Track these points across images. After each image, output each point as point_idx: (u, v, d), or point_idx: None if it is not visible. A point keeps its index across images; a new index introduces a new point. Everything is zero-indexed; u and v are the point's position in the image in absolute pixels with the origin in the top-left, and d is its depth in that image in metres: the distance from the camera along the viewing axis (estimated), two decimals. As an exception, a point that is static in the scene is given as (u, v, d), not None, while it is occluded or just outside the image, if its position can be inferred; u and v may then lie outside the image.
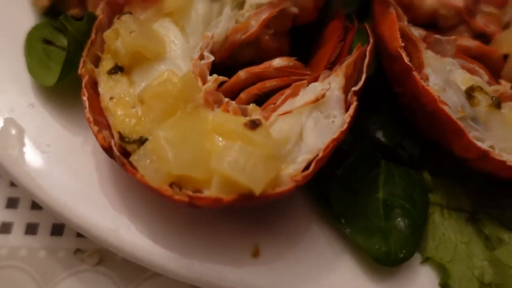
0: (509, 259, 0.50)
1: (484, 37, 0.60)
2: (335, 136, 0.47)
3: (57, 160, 0.53)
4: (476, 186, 0.56)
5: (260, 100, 0.54)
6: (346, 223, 0.51)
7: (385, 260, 0.48)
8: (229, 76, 0.56)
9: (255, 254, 0.50)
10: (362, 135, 0.59)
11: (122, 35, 0.51)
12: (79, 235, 0.57)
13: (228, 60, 0.58)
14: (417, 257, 0.51)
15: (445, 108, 0.49)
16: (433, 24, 0.62)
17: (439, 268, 0.50)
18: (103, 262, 0.56)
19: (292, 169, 0.46)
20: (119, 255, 0.52)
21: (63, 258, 0.56)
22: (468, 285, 0.49)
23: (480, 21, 0.60)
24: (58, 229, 0.58)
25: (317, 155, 0.46)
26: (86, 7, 0.65)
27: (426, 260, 0.51)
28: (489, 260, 0.51)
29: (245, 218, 0.51)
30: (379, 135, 0.59)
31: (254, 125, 0.45)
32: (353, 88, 0.49)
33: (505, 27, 0.59)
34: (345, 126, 0.47)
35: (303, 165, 0.46)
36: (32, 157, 0.52)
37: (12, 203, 0.59)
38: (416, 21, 0.61)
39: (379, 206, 0.53)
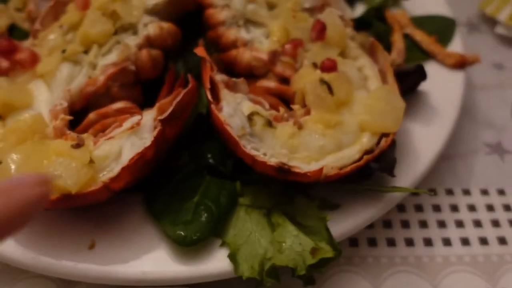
0: (280, 237, 0.66)
1: (287, 80, 0.80)
2: (139, 150, 0.65)
3: None
4: (277, 188, 0.73)
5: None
6: (161, 219, 0.67)
7: (182, 241, 0.64)
8: None
9: (92, 246, 0.66)
10: (197, 157, 0.77)
11: (-3, 92, 0.70)
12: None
13: (91, 108, 0.77)
14: (218, 242, 0.67)
15: (228, 127, 0.68)
16: (251, 74, 0.83)
17: (231, 248, 0.66)
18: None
19: (107, 176, 0.63)
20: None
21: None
22: (252, 259, 0.65)
23: (279, 68, 0.80)
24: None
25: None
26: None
27: (223, 244, 0.67)
28: (271, 241, 0.66)
29: (86, 219, 0.68)
30: (208, 157, 0.77)
31: (78, 146, 0.63)
32: (159, 117, 0.68)
33: (297, 71, 0.79)
34: (148, 143, 0.65)
35: (116, 172, 0.64)
36: None
37: None
38: (239, 72, 0.82)
39: (192, 206, 0.69)
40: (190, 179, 0.74)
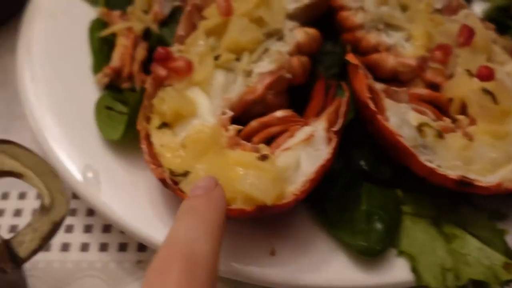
0: (461, 248, 0.67)
1: (435, 86, 0.80)
2: (323, 162, 0.66)
3: (126, 192, 0.72)
4: (439, 197, 0.74)
5: (267, 141, 0.74)
6: (338, 228, 0.69)
7: (366, 252, 0.66)
8: (244, 124, 0.77)
9: (272, 253, 0.68)
10: (349, 164, 0.78)
11: (166, 101, 0.72)
12: (140, 250, 0.75)
13: (244, 115, 0.78)
14: (394, 252, 0.68)
15: (401, 139, 0.68)
16: (394, 79, 0.83)
17: (410, 258, 0.67)
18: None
19: (293, 188, 0.65)
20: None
21: (128, 268, 0.74)
22: (433, 269, 0.66)
23: (429, 75, 0.80)
24: (123, 246, 0.76)
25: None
26: (133, 82, 0.88)
27: (400, 253, 0.68)
28: (448, 251, 0.67)
29: (264, 228, 0.70)
30: (362, 163, 0.78)
31: (264, 158, 0.65)
32: (333, 129, 0.69)
33: (449, 78, 0.79)
34: (329, 156, 0.66)
35: (301, 183, 0.65)
36: (107, 190, 0.72)
37: (88, 229, 0.78)
38: (381, 77, 0.82)
39: (363, 215, 0.71)
40: (350, 187, 0.75)
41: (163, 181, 0.66)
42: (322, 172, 0.66)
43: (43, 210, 0.60)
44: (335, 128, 0.69)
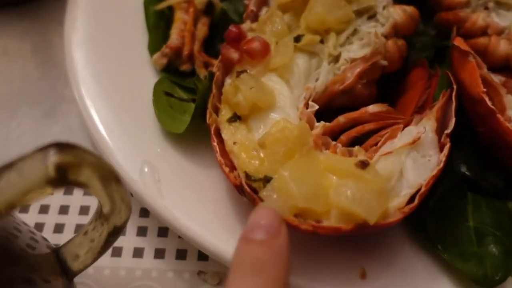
0: None
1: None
2: (433, 173, 0.54)
3: (189, 195, 0.62)
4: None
5: (357, 141, 0.62)
6: (443, 249, 0.57)
7: (483, 282, 0.54)
8: (322, 117, 0.65)
9: (363, 276, 0.57)
10: (447, 169, 0.65)
11: (242, 91, 0.60)
12: (200, 258, 0.66)
13: (324, 106, 0.67)
14: (510, 281, 0.57)
15: (530, 146, 0.56)
16: (505, 69, 0.69)
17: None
18: (222, 282, 0.65)
19: (397, 202, 0.53)
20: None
21: (188, 279, 0.65)
22: None
23: (552, 65, 0.66)
24: (182, 253, 0.67)
25: (419, 189, 0.54)
26: (193, 63, 0.77)
27: (520, 283, 0.57)
28: None
29: (352, 245, 0.59)
30: (463, 168, 0.65)
31: (363, 165, 0.53)
32: (446, 131, 0.57)
33: None
34: (442, 164, 0.55)
35: (406, 198, 0.54)
36: (168, 192, 0.62)
37: (142, 232, 0.69)
38: (489, 66, 0.69)
39: (471, 233, 0.59)
40: (451, 197, 0.63)
41: (238, 187, 0.56)
42: (432, 185, 0.54)
43: (101, 218, 0.50)
44: (448, 130, 0.56)
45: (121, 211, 0.49)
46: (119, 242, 0.68)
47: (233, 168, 0.58)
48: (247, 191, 0.55)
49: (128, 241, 0.68)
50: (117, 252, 0.67)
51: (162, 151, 0.66)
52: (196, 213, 0.61)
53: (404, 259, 0.58)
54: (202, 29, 0.79)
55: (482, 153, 0.65)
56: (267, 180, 0.55)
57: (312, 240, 0.58)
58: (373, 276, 0.57)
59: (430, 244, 0.58)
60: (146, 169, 0.64)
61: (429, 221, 0.60)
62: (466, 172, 0.65)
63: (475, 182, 0.64)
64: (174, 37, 0.77)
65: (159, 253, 0.67)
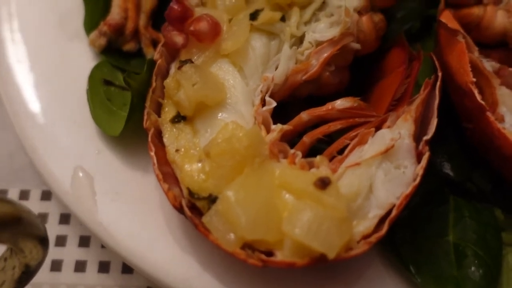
0: None
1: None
2: (407, 191, 0.46)
3: (127, 208, 0.54)
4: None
5: (323, 143, 0.53)
6: (416, 271, 0.50)
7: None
8: (285, 110, 0.56)
9: (325, 303, 0.50)
10: (428, 168, 0.57)
11: (184, 88, 0.50)
12: (149, 274, 0.59)
13: (286, 98, 0.57)
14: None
15: (524, 153, 0.47)
16: (501, 45, 0.59)
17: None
18: (174, 299, 0.58)
19: (364, 227, 0.45)
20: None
21: (136, 296, 0.58)
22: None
23: (557, 43, 0.56)
24: (129, 267, 0.60)
25: (390, 211, 0.45)
26: (139, 41, 0.66)
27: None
28: None
29: (314, 269, 0.51)
30: (447, 168, 0.57)
31: (323, 184, 0.44)
32: (425, 138, 0.47)
33: None
34: (418, 179, 0.46)
35: (374, 221, 0.45)
36: (103, 206, 0.54)
37: (84, 242, 0.62)
38: (483, 41, 0.58)
39: (450, 251, 0.51)
40: (429, 204, 0.55)
41: (179, 209, 0.47)
42: (406, 204, 0.46)
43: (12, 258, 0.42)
44: (427, 136, 0.47)
45: (32, 251, 0.41)
46: (59, 253, 0.61)
47: (174, 183, 0.49)
48: (188, 216, 0.47)
49: (68, 253, 0.61)
50: (57, 266, 0.60)
51: (99, 154, 0.57)
52: (136, 231, 0.53)
53: (373, 283, 0.51)
54: (149, 0, 0.67)
55: (469, 150, 0.56)
56: (212, 200, 0.46)
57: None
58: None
59: (402, 265, 0.51)
60: (79, 177, 0.55)
61: (401, 235, 0.52)
62: (449, 172, 0.56)
63: (459, 184, 0.56)
64: (115, 11, 0.65)
65: (104, 267, 0.60)
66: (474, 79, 0.51)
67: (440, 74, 0.52)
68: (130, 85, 0.54)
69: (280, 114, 0.55)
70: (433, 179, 0.56)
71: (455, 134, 0.58)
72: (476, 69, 0.52)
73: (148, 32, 0.66)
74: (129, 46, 0.65)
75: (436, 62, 0.54)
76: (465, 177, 0.57)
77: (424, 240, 0.52)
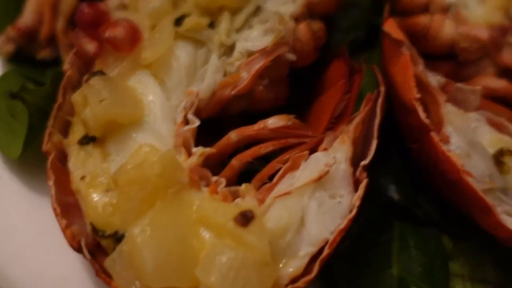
0: None
1: (510, 73, 0.53)
2: (342, 226, 0.40)
3: (26, 248, 0.46)
4: (503, 253, 0.49)
5: (253, 167, 0.47)
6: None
7: None
8: (216, 125, 0.50)
9: None
10: (370, 191, 0.52)
11: (91, 104, 0.44)
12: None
13: (216, 114, 0.51)
14: None
15: (470, 180, 0.42)
16: (449, 56, 0.54)
17: None
18: None
19: (293, 267, 0.39)
20: None
21: None
22: None
23: (506, 55, 0.52)
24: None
25: (321, 249, 0.40)
26: (57, 47, 0.58)
27: None
28: None
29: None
30: (391, 190, 0.52)
31: (245, 220, 0.38)
32: (362, 163, 0.42)
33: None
34: (354, 211, 0.41)
35: (305, 260, 0.40)
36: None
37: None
38: (431, 52, 0.54)
39: (393, 286, 0.47)
40: (373, 230, 0.50)
41: (78, 250, 0.40)
42: (340, 240, 0.40)
43: None
44: (365, 161, 0.42)
45: None
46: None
47: (77, 214, 0.42)
48: (87, 258, 0.40)
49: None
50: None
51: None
52: (35, 278, 0.45)
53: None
54: (68, 2, 0.59)
55: (415, 172, 0.52)
56: (118, 238, 0.40)
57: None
58: None
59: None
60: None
61: (340, 268, 0.47)
62: (394, 196, 0.52)
63: (405, 209, 0.52)
64: (28, 13, 0.58)
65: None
66: (419, 95, 0.46)
67: (383, 89, 0.48)
68: (25, 100, 0.46)
69: (216, 130, 0.49)
70: (377, 203, 0.52)
71: (401, 154, 0.54)
72: (422, 85, 0.47)
73: (67, 38, 0.58)
74: (44, 54, 0.58)
75: (380, 76, 0.49)
76: (411, 201, 0.52)
77: (366, 272, 0.48)
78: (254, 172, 0.46)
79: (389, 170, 0.53)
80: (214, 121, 0.50)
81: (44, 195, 0.49)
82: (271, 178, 0.45)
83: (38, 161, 0.49)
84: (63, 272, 0.46)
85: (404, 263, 0.48)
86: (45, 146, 0.44)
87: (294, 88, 0.52)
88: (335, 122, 0.48)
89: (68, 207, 0.43)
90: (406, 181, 0.53)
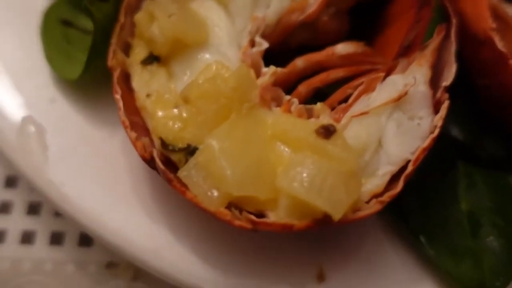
0: None
1: None
2: (425, 144, 0.39)
3: (84, 165, 0.45)
4: None
5: (321, 94, 0.45)
6: (428, 242, 0.43)
7: (478, 288, 0.41)
8: (275, 61, 0.48)
9: (320, 277, 0.43)
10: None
11: (159, 20, 0.42)
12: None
13: (281, 45, 0.49)
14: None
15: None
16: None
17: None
18: (139, 276, 0.49)
19: (373, 185, 0.38)
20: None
21: (93, 273, 0.49)
22: None
23: None
24: (87, 239, 0.51)
25: (403, 167, 0.38)
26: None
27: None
28: None
29: (307, 235, 0.44)
30: (455, 131, 0.51)
31: (328, 132, 0.37)
32: (444, 83, 0.41)
33: None
34: (436, 131, 0.39)
35: (385, 179, 0.38)
36: (55, 162, 0.45)
37: (33, 209, 0.52)
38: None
39: (463, 220, 0.45)
40: (437, 170, 0.48)
41: (149, 161, 0.39)
42: (422, 159, 0.39)
43: None
44: (446, 82, 0.40)
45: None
46: (3, 222, 0.51)
47: (143, 132, 0.41)
48: (160, 169, 0.38)
49: (14, 221, 0.51)
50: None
51: (53, 103, 0.48)
52: (96, 193, 0.44)
53: (375, 255, 0.44)
54: None
55: (480, 112, 0.50)
56: (190, 151, 0.38)
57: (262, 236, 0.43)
58: (334, 278, 0.42)
59: (410, 235, 0.44)
60: (28, 129, 0.46)
61: (409, 202, 0.45)
62: (458, 136, 0.50)
63: (469, 149, 0.50)
64: None
65: (57, 238, 0.51)
66: (494, 25, 0.45)
67: (455, 20, 0.46)
68: (93, 14, 0.45)
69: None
70: (440, 143, 0.50)
71: (464, 96, 0.52)
72: (497, 15, 0.46)
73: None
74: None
75: (450, 7, 0.47)
76: (475, 142, 0.50)
77: (434, 208, 0.46)
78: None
79: (452, 109, 0.51)
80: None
81: (101, 117, 0.48)
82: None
83: (93, 83, 0.48)
84: (120, 192, 0.44)
85: (473, 198, 0.46)
86: (110, 62, 0.43)
87: (358, 22, 0.51)
88: (406, 53, 0.47)
89: (135, 125, 0.41)
90: (470, 122, 0.51)
